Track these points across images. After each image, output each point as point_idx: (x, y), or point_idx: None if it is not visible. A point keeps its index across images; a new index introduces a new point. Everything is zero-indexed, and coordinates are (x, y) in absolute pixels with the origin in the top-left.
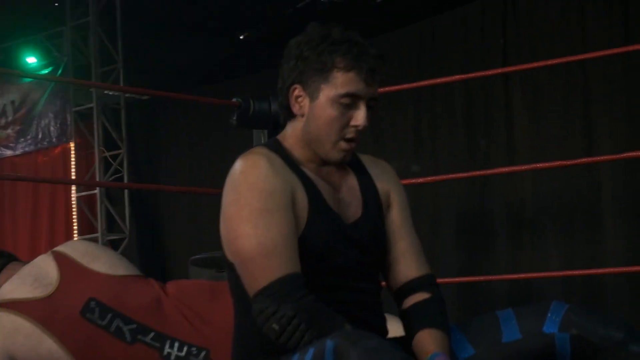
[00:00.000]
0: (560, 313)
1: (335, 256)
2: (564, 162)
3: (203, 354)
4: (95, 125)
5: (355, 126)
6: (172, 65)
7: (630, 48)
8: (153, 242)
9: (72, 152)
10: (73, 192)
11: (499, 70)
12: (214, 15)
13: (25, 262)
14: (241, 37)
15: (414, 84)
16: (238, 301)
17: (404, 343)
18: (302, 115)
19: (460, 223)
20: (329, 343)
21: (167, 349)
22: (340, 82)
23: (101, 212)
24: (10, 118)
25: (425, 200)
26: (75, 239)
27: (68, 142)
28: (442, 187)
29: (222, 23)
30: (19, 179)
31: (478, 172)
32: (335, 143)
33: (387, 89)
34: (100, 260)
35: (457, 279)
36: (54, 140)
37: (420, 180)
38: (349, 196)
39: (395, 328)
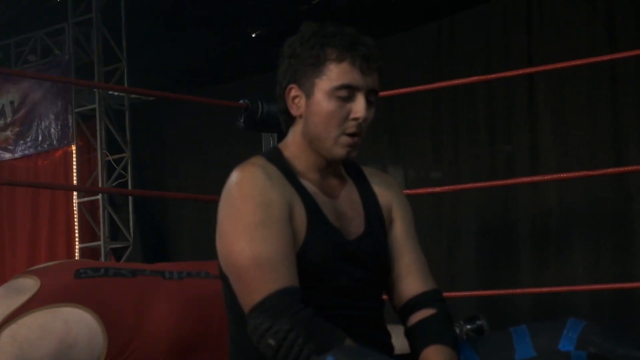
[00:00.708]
0: (576, 330)
1: (336, 274)
2: (591, 172)
3: (203, 273)
4: (98, 127)
5: (356, 119)
6: (179, 64)
7: None
8: (158, 250)
9: (74, 155)
10: (75, 197)
11: (522, 71)
12: (224, 11)
13: None
14: (253, 35)
15: (433, 85)
16: (233, 317)
17: None
18: (301, 116)
19: (481, 234)
20: (329, 359)
21: (167, 274)
22: (334, 74)
23: (104, 219)
24: (9, 119)
25: (445, 209)
26: (77, 246)
27: (69, 145)
28: (463, 196)
29: (232, 20)
30: (17, 184)
31: (500, 182)
32: (336, 139)
33: (404, 90)
34: None
35: (477, 293)
36: (54, 143)
37: (438, 189)
38: (351, 211)
39: (402, 340)
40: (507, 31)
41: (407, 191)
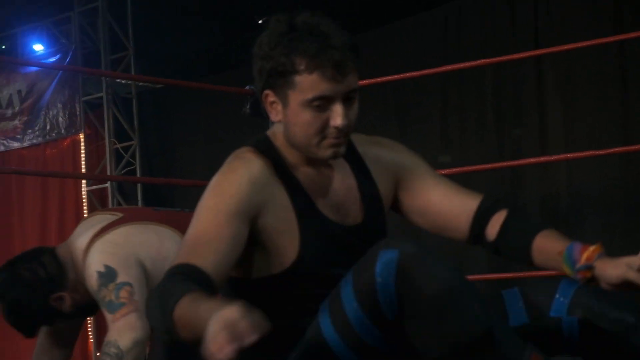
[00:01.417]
0: (568, 294)
1: (336, 266)
2: (599, 152)
3: None
4: (105, 116)
5: (335, 127)
6: (186, 51)
7: None
8: None
9: (82, 143)
10: (83, 185)
11: (530, 53)
12: None
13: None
14: (260, 22)
15: (441, 69)
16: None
17: None
18: (280, 121)
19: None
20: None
21: None
22: (306, 87)
23: (113, 206)
24: (17, 108)
25: None
26: None
27: (77, 134)
28: (471, 179)
29: (238, 6)
30: (26, 172)
31: (509, 163)
32: (318, 144)
33: (412, 74)
34: None
35: (487, 276)
36: (62, 131)
37: (445, 171)
38: (347, 199)
39: None
40: (514, 15)
41: None
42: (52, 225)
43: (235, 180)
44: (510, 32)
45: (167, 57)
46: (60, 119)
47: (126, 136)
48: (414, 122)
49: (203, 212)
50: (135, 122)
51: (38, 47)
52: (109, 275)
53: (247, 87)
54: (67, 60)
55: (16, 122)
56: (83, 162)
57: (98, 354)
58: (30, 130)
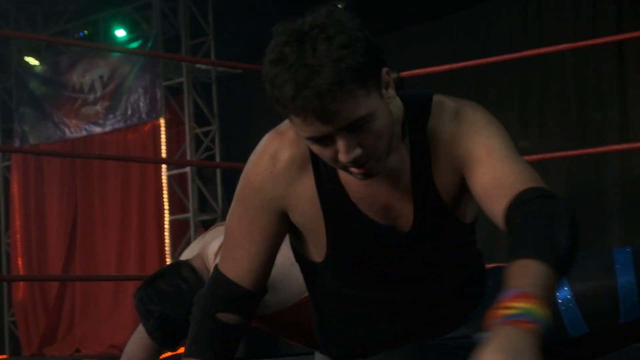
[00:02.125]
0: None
1: (384, 271)
2: None
3: None
4: (185, 101)
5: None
6: (266, 36)
7: None
8: None
9: (162, 128)
10: (164, 170)
11: (611, 38)
12: None
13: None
14: (339, 6)
15: (521, 54)
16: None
17: None
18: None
19: (570, 202)
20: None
21: None
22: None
23: (193, 191)
24: (99, 93)
25: None
26: (166, 218)
27: (158, 119)
28: (551, 165)
29: None
30: (108, 157)
31: (589, 150)
32: (343, 169)
33: (492, 59)
34: None
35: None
36: (143, 116)
37: (526, 158)
38: (397, 199)
39: None
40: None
41: None
42: (132, 210)
43: (261, 170)
44: (590, 17)
45: (246, 42)
46: (141, 104)
47: (206, 121)
48: (494, 107)
49: (235, 203)
50: (215, 107)
51: (120, 33)
52: None
53: None
54: (149, 45)
55: (98, 107)
56: (163, 147)
57: None
58: (111, 115)
